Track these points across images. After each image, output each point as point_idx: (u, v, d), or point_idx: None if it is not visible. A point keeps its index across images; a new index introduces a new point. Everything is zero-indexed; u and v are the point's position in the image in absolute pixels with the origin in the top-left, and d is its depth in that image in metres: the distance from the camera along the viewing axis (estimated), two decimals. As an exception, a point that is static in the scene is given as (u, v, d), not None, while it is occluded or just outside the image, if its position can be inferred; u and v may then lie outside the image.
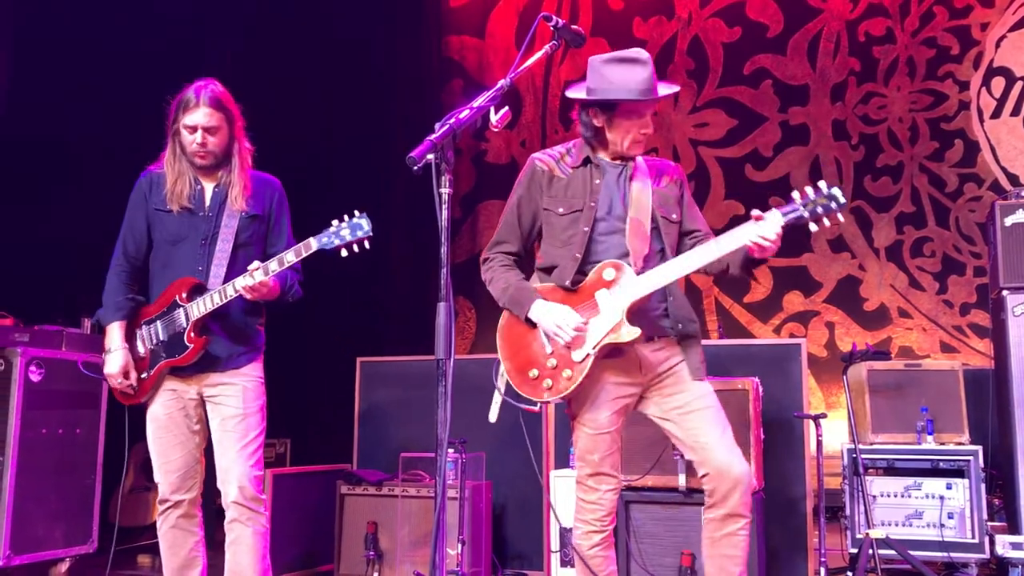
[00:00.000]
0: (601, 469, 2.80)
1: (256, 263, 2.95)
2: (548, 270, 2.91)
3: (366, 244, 2.86)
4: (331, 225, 2.89)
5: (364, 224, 2.85)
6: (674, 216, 2.92)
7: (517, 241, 2.96)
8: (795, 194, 2.62)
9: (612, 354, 2.77)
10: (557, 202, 2.87)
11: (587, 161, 2.89)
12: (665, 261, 2.81)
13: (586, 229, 2.82)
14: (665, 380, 2.83)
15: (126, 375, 3.05)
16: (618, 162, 2.90)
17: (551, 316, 2.75)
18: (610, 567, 2.84)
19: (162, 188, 3.09)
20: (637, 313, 2.76)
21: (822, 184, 2.59)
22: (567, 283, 2.81)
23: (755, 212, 2.64)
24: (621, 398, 2.82)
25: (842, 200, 2.57)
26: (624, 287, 2.74)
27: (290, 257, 2.92)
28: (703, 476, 2.76)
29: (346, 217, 2.88)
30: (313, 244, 2.90)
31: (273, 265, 2.93)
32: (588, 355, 2.72)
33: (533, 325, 2.81)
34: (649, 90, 2.75)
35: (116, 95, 5.74)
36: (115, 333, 3.08)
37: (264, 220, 3.16)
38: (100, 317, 3.14)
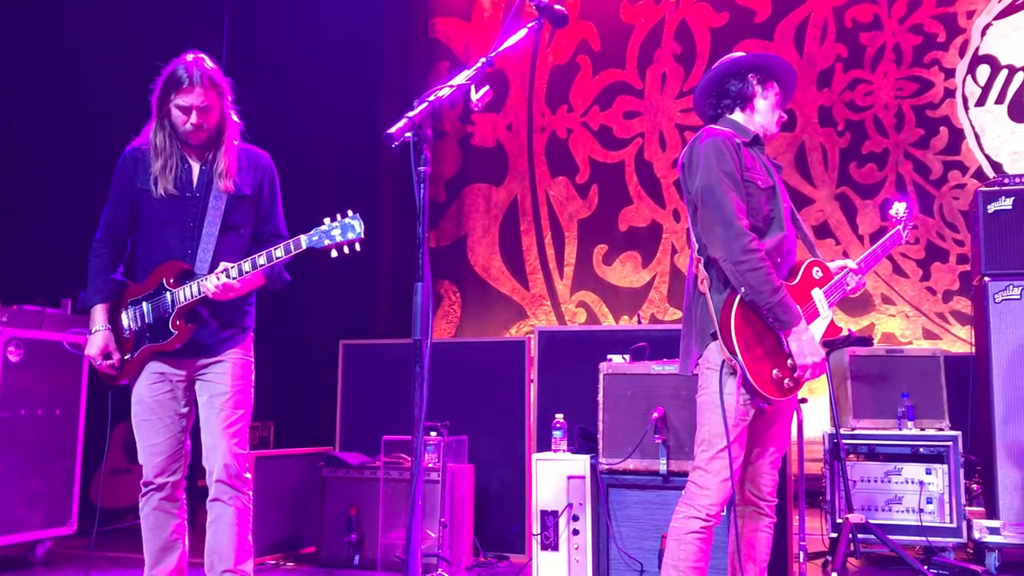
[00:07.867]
0: None
1: (223, 264, 2.89)
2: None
3: (357, 247, 2.79)
4: (323, 223, 2.81)
5: (356, 226, 2.78)
6: None
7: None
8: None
9: None
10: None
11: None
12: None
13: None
14: None
15: (107, 355, 3.01)
16: None
17: (810, 345, 2.59)
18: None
19: (148, 167, 3.01)
20: None
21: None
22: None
23: None
24: None
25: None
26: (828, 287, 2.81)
27: (279, 254, 2.86)
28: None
29: (338, 216, 2.80)
30: (303, 242, 2.83)
31: (247, 266, 2.88)
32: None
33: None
34: None
35: (100, 68, 5.68)
36: (98, 315, 3.04)
37: (253, 200, 3.09)
38: (84, 299, 3.10)
